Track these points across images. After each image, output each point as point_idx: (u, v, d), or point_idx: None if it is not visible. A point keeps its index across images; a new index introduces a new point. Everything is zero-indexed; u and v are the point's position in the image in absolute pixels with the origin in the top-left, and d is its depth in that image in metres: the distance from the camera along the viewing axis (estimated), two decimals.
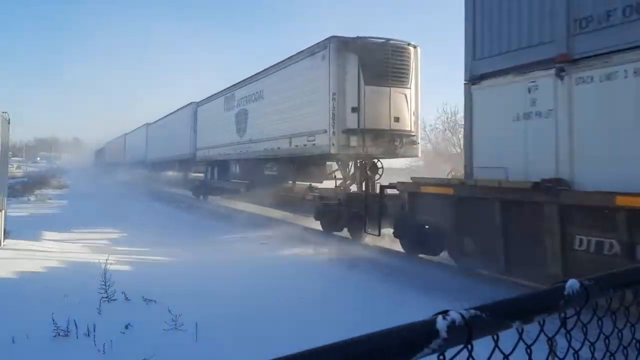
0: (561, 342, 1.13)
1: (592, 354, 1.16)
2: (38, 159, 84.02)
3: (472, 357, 0.86)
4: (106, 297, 6.37)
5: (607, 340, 1.22)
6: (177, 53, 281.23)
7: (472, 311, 0.80)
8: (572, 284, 1.01)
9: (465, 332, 0.77)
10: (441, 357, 0.80)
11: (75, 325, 5.21)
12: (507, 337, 0.96)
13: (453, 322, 0.76)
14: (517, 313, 0.88)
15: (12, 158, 61.30)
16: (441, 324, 0.75)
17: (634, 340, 1.30)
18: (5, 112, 11.15)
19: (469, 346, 0.84)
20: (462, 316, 0.78)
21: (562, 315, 1.04)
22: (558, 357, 1.18)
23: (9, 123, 11.65)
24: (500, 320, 0.84)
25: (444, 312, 0.78)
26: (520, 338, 0.96)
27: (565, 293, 0.98)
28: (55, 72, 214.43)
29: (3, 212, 10.78)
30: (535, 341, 0.98)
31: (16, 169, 51.37)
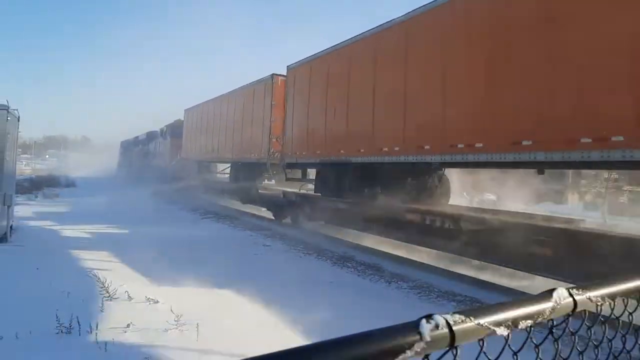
0: (549, 348, 1.14)
1: None
2: (47, 156, 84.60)
3: None
4: (108, 296, 6.43)
5: (596, 350, 1.23)
6: (190, 54, 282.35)
7: (457, 316, 0.82)
8: (561, 292, 1.02)
9: (447, 336, 0.79)
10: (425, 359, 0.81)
11: (78, 323, 5.25)
12: (496, 340, 0.97)
13: (436, 325, 0.78)
14: (502, 319, 0.89)
15: (22, 155, 61.04)
16: (424, 327, 0.76)
17: (624, 351, 1.31)
18: (16, 109, 11.27)
19: (454, 350, 0.86)
20: (446, 320, 0.79)
21: (550, 323, 1.05)
22: None
23: (18, 120, 11.78)
24: (484, 325, 0.85)
25: (428, 316, 0.79)
26: (507, 344, 0.97)
27: (552, 300, 0.99)
28: (66, 70, 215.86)
29: (11, 208, 10.88)
30: (521, 348, 0.99)
31: (25, 166, 51.58)
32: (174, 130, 29.02)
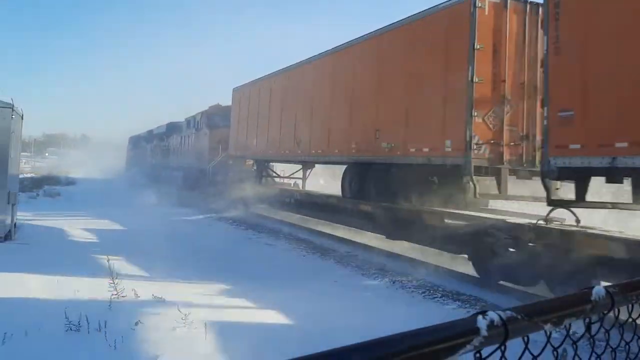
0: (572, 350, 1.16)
1: (614, 358, 1.20)
2: (46, 154, 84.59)
3: (505, 358, 0.91)
4: (116, 294, 6.46)
5: (627, 347, 1.26)
6: (191, 54, 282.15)
7: (509, 312, 0.85)
8: (599, 290, 1.05)
9: (502, 331, 0.82)
10: (477, 355, 0.85)
11: (87, 321, 5.27)
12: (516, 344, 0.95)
13: (492, 321, 0.81)
14: (549, 316, 0.92)
15: (21, 153, 60.62)
16: (481, 322, 0.80)
17: None
18: (20, 107, 11.29)
19: (503, 347, 0.89)
20: (500, 316, 0.83)
21: (587, 320, 1.09)
22: None
23: (22, 118, 11.80)
24: (533, 321, 0.88)
25: (483, 312, 0.83)
26: (548, 341, 1.00)
27: (592, 298, 1.03)
28: (65, 68, 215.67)
29: (15, 206, 10.91)
30: (561, 344, 1.02)
31: (24, 164, 51.28)
32: (212, 120, 21.98)
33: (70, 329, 5.25)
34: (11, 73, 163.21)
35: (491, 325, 0.80)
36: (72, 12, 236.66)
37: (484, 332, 0.79)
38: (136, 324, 5.50)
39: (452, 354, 0.74)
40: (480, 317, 0.81)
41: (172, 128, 29.00)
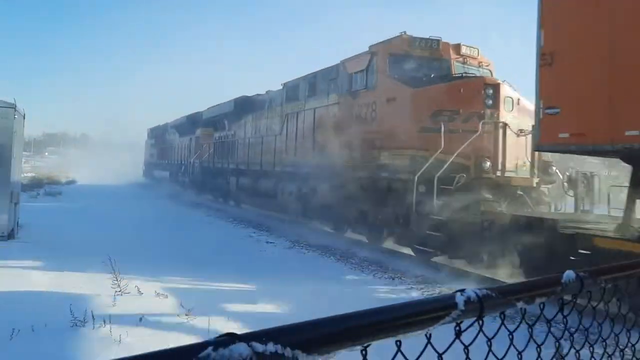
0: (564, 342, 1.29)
1: (586, 337, 1.33)
2: (46, 153, 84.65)
3: (482, 331, 1.03)
4: (120, 291, 6.57)
5: (600, 327, 1.39)
6: (192, 53, 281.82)
7: (484, 290, 0.97)
8: (569, 274, 1.17)
9: (478, 306, 0.94)
10: (457, 327, 0.97)
11: (92, 317, 5.39)
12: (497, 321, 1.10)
13: (469, 298, 0.93)
14: (521, 294, 1.05)
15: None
16: (459, 298, 0.92)
17: (624, 328, 1.47)
18: (21, 107, 11.40)
19: (480, 321, 1.02)
20: (476, 294, 0.95)
21: (560, 300, 1.21)
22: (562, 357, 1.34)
23: (24, 118, 11.91)
24: (507, 299, 1.01)
25: (461, 290, 0.95)
26: (523, 318, 1.13)
27: (563, 281, 1.15)
28: (65, 67, 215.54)
29: (17, 205, 11.03)
30: (536, 321, 1.15)
31: (24, 164, 51.02)
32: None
33: (76, 324, 5.37)
34: (10, 72, 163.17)
35: (468, 301, 0.93)
36: (73, 13, 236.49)
37: (461, 307, 0.91)
38: (140, 319, 5.62)
39: (433, 323, 0.87)
40: (458, 293, 0.93)
41: (243, 107, 18.35)
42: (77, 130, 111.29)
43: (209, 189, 20.63)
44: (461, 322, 0.94)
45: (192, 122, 24.42)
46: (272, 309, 6.38)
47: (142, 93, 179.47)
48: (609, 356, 1.42)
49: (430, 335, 0.89)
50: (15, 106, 10.67)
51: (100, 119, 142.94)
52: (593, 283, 1.22)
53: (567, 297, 1.23)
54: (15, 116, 10.65)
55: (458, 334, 0.95)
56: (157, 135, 32.22)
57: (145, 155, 34.68)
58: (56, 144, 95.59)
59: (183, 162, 24.82)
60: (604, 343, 1.42)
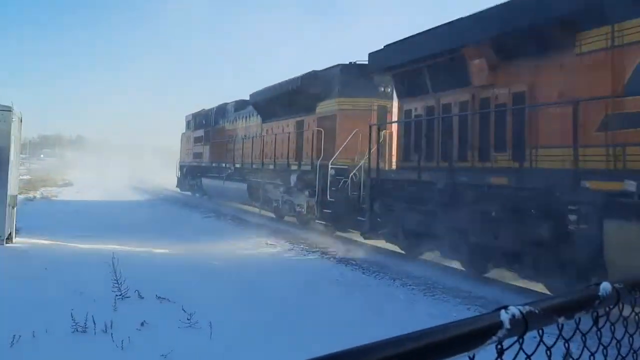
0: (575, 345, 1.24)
1: (618, 350, 1.30)
2: (42, 156, 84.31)
3: (523, 349, 1.00)
4: (120, 295, 6.51)
5: (631, 339, 1.36)
6: (193, 54, 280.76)
7: (527, 307, 0.94)
8: (605, 286, 1.14)
9: (523, 324, 0.91)
10: (499, 346, 0.93)
11: (94, 322, 5.33)
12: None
13: (513, 315, 0.90)
14: (561, 310, 1.02)
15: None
16: (504, 316, 0.88)
17: None
18: (18, 110, 11.32)
19: (521, 340, 0.98)
20: (520, 311, 0.91)
21: (595, 314, 1.18)
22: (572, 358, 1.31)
23: (21, 121, 11.83)
24: (549, 315, 0.97)
25: (505, 307, 0.91)
26: (560, 334, 1.09)
27: (600, 294, 1.12)
28: (60, 68, 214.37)
29: (15, 209, 10.94)
30: (572, 335, 1.11)
31: (20, 166, 50.48)
32: None
33: (77, 330, 5.31)
34: (4, 72, 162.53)
35: (513, 319, 0.89)
36: (72, 12, 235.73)
37: (507, 325, 0.88)
38: (142, 324, 5.57)
39: (478, 345, 0.83)
40: (503, 311, 0.89)
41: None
42: (72, 132, 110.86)
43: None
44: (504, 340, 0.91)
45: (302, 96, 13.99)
46: None
47: (142, 93, 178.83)
48: None
49: (473, 356, 0.86)
50: (12, 109, 10.58)
51: (99, 120, 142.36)
52: (628, 294, 1.19)
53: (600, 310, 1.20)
54: (13, 120, 10.56)
55: (500, 352, 0.91)
56: (208, 123, 20.94)
57: (182, 155, 23.74)
58: (51, 145, 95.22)
59: (291, 167, 14.64)
60: (635, 354, 1.39)
